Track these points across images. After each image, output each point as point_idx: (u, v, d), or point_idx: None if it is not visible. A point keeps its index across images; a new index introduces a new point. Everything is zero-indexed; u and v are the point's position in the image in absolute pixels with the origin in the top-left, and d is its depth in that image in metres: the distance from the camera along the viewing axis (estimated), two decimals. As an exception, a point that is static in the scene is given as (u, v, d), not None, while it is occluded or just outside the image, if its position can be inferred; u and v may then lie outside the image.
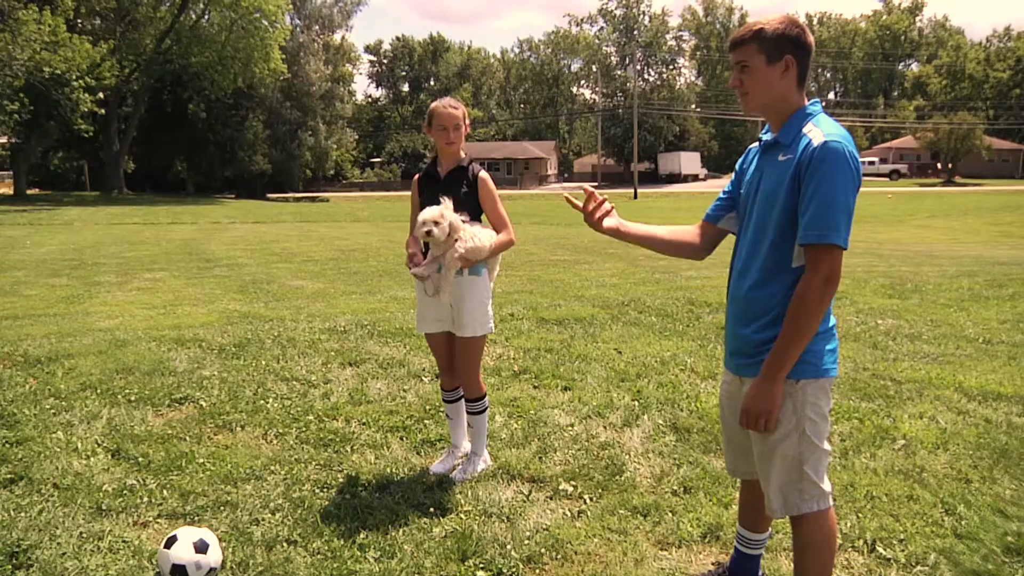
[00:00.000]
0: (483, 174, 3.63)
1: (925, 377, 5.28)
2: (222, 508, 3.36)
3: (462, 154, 3.65)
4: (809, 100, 2.33)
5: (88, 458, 3.87)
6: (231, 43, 43.64)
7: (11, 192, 42.93)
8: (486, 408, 3.77)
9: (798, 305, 2.18)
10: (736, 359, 2.45)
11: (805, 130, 2.23)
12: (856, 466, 3.80)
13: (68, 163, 56.32)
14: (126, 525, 3.22)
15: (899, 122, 79.46)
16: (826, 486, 2.37)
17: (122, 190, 44.92)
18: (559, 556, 3.00)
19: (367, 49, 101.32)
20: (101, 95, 35.65)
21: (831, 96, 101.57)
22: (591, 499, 3.49)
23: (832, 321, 2.34)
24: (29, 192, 43.66)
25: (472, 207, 3.59)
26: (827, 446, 2.36)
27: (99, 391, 4.89)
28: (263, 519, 3.27)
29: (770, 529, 2.79)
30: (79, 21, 40.38)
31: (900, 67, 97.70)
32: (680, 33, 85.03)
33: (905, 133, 76.50)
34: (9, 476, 3.65)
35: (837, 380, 5.14)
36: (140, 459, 3.85)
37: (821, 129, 2.20)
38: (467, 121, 3.61)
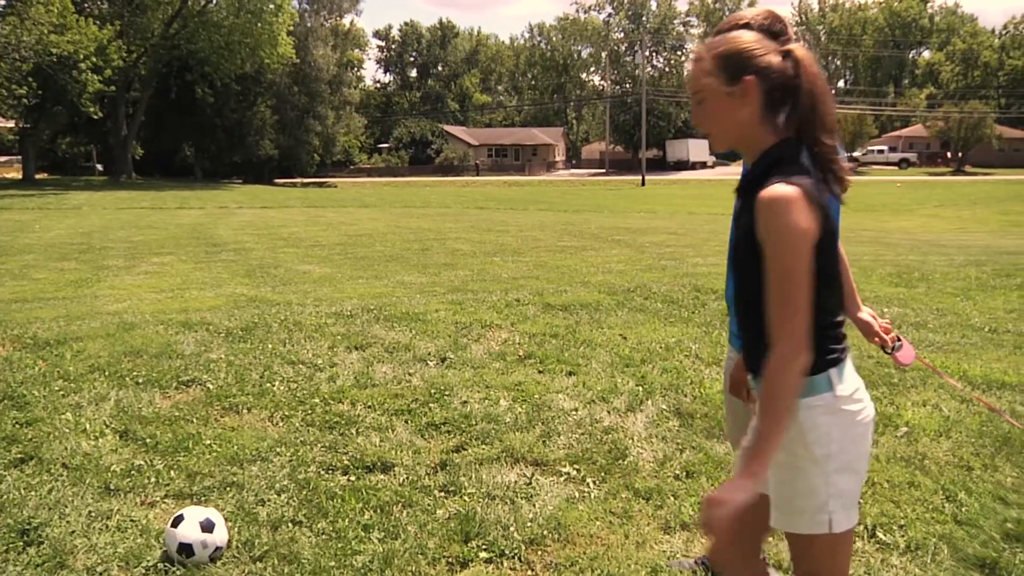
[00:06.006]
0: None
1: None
2: (228, 489, 3.40)
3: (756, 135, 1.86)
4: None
5: (97, 439, 3.91)
6: (238, 28, 43.55)
7: (20, 176, 43.12)
8: None
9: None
10: (739, 340, 2.46)
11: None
12: (858, 453, 3.82)
13: (76, 147, 56.43)
14: (134, 504, 3.26)
15: (909, 110, 78.77)
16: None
17: (130, 175, 45.00)
18: (561, 538, 3.03)
19: (376, 34, 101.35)
20: (109, 72, 35.58)
21: (841, 84, 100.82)
22: (594, 482, 3.52)
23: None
24: (38, 176, 43.82)
25: None
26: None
27: (107, 373, 4.94)
28: (269, 500, 3.31)
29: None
30: (86, 4, 40.36)
31: (911, 55, 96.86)
32: (688, 19, 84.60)
33: (915, 121, 75.88)
34: (19, 456, 3.69)
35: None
36: (148, 440, 3.89)
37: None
38: (718, 74, 1.81)
